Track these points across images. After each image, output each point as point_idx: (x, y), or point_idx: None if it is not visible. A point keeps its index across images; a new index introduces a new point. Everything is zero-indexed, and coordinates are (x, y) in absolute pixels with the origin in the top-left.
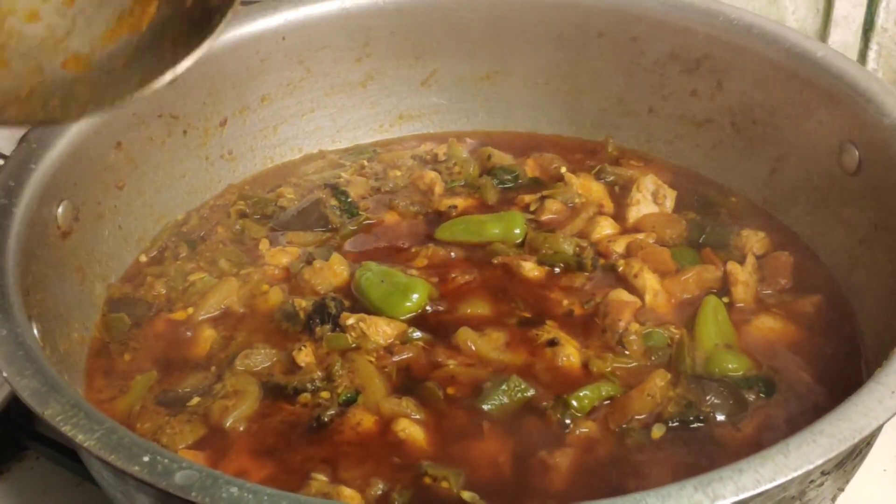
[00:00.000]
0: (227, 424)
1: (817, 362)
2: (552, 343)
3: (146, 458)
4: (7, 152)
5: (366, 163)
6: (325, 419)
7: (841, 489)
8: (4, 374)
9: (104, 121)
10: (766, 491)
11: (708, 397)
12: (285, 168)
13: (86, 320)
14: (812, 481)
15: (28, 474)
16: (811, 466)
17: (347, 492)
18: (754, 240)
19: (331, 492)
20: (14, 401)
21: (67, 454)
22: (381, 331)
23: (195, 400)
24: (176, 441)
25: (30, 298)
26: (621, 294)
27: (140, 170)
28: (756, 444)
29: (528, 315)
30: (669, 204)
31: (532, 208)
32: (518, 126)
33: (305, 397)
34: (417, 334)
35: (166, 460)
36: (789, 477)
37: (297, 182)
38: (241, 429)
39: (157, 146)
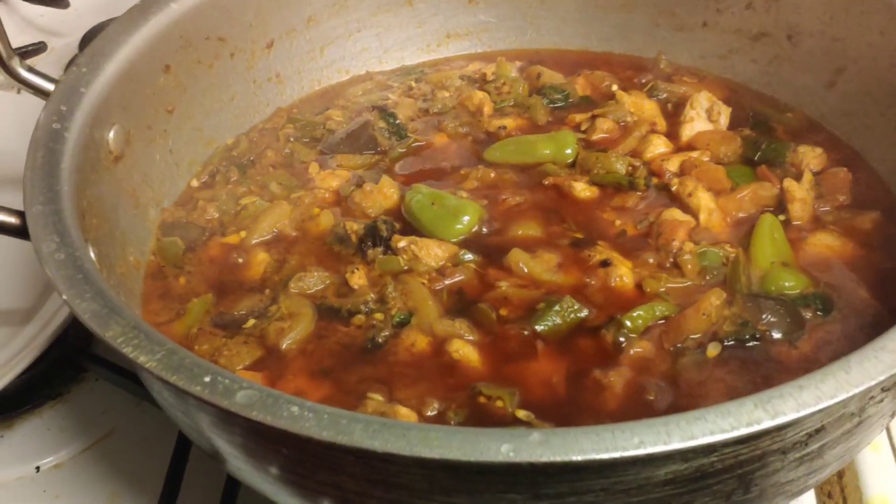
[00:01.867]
0: (284, 346)
1: (875, 279)
2: (605, 264)
3: (207, 379)
4: (57, 76)
5: (413, 84)
6: (380, 340)
7: None
8: (64, 297)
9: (151, 44)
10: (827, 408)
11: (764, 315)
12: (333, 90)
13: (141, 244)
14: (872, 397)
15: (87, 396)
16: (872, 383)
17: (404, 411)
18: (811, 156)
19: (387, 411)
20: (72, 324)
21: (126, 375)
22: (433, 253)
23: (251, 322)
24: (234, 362)
25: (85, 222)
26: (675, 213)
27: (189, 93)
28: (813, 362)
29: (580, 236)
30: (724, 121)
31: (583, 128)
32: (568, 44)
33: (360, 319)
34: (469, 256)
35: (227, 380)
36: (851, 393)
37: (344, 104)
38: (297, 350)
39: (205, 69)
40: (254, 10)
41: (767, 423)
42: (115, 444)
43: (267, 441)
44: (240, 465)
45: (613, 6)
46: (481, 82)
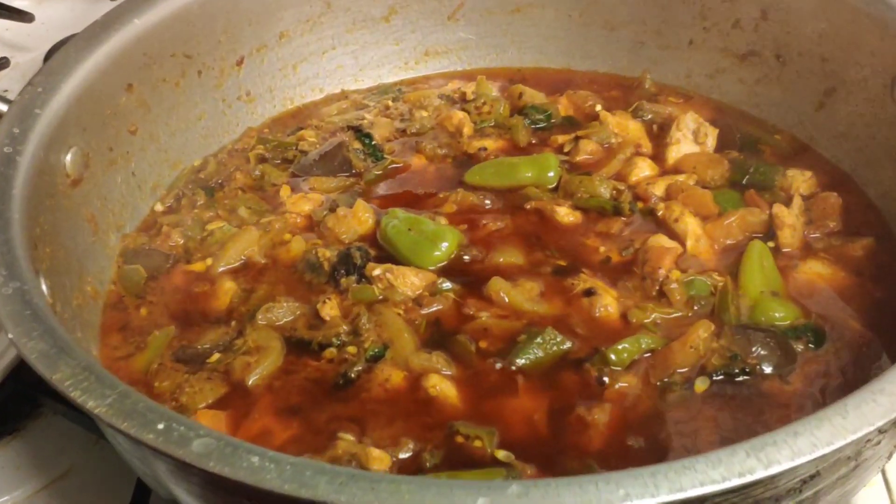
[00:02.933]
0: (250, 382)
1: (868, 308)
2: (589, 293)
3: (161, 426)
4: (12, 97)
5: (390, 103)
6: (352, 376)
7: None
8: (10, 336)
9: (113, 62)
10: (824, 455)
11: (754, 348)
12: (306, 109)
13: (100, 273)
14: (869, 440)
15: (43, 432)
16: (871, 428)
17: (376, 452)
18: (801, 180)
19: (359, 452)
20: None
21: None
22: (410, 282)
23: (215, 356)
24: (196, 400)
25: (38, 252)
26: (661, 240)
27: (153, 113)
28: (807, 397)
29: (562, 263)
30: (711, 143)
31: (566, 149)
32: (551, 62)
33: (331, 352)
34: (447, 285)
35: (183, 427)
36: (848, 440)
37: (318, 124)
38: (265, 386)
39: (171, 88)
40: (222, 25)
41: (761, 473)
42: (72, 485)
43: (226, 492)
44: None
45: (597, 24)
46: (461, 102)
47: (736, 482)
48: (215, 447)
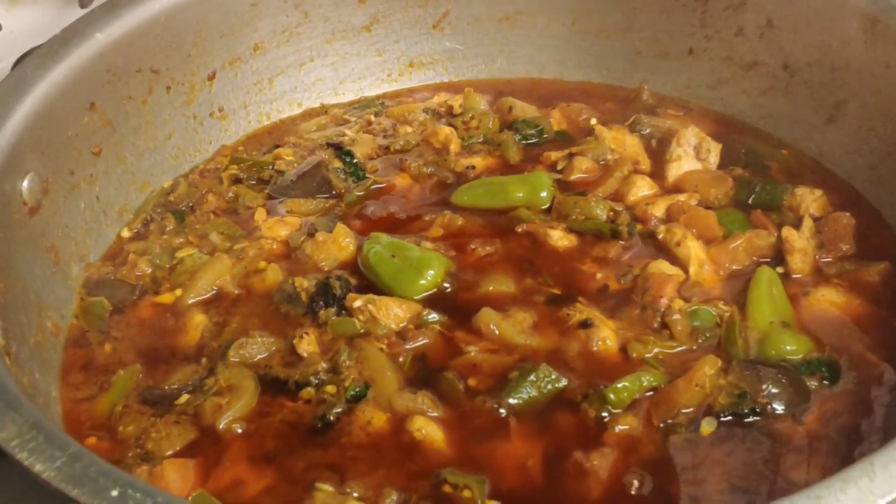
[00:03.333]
0: (221, 426)
1: (886, 340)
2: (585, 325)
3: (115, 493)
4: None
5: (373, 118)
6: (331, 418)
7: None
8: None
9: (74, 80)
10: None
11: (764, 386)
12: (283, 126)
13: (61, 306)
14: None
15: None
16: None
17: None
18: (810, 199)
19: None
20: None
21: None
22: (393, 313)
23: (184, 397)
24: (163, 447)
25: None
26: (662, 266)
27: (118, 133)
28: (822, 440)
29: (557, 291)
30: (714, 159)
31: (559, 167)
32: (542, 72)
33: (308, 392)
34: (433, 317)
35: (139, 494)
36: None
37: (296, 141)
38: (237, 431)
39: (137, 105)
40: (192, 38)
41: None
42: None
43: None
44: None
45: (591, 31)
46: (448, 116)
47: None
48: None
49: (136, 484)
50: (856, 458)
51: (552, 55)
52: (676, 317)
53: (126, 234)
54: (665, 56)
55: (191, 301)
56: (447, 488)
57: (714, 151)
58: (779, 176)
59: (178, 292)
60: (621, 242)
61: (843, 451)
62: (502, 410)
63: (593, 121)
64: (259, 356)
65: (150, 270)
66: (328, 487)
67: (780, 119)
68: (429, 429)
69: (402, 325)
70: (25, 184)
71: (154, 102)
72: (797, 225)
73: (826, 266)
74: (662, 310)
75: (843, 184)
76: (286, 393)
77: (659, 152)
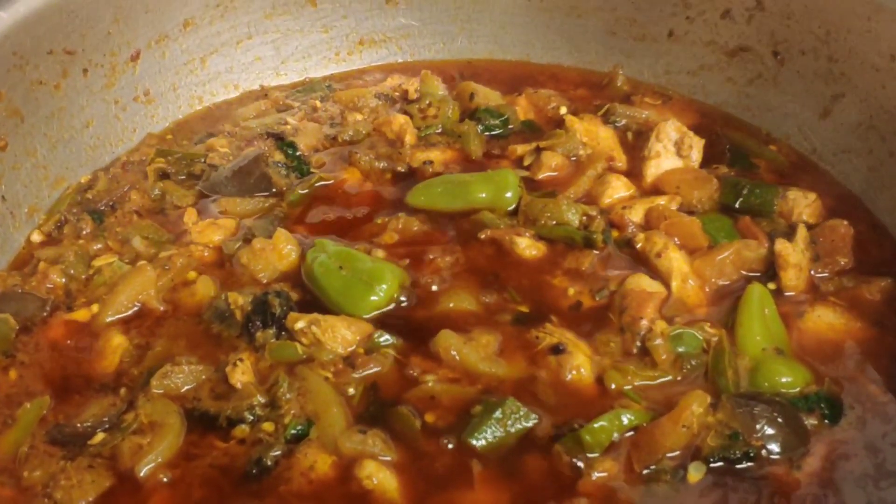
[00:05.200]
0: (141, 472)
1: (892, 370)
2: (557, 350)
3: None
4: None
5: (318, 103)
6: (268, 462)
7: None
8: None
9: None
10: None
11: (758, 426)
12: (217, 111)
13: None
14: None
15: None
16: None
17: None
18: (804, 204)
19: None
20: None
21: None
22: (340, 336)
23: (99, 436)
24: (73, 496)
25: None
26: (642, 281)
27: (28, 122)
28: (827, 486)
29: (524, 309)
30: (696, 156)
31: (526, 163)
32: (506, 53)
33: (242, 430)
34: (386, 339)
35: None
36: None
37: (232, 130)
38: (160, 477)
39: (50, 91)
40: (112, 14)
41: None
42: None
43: None
44: None
45: (561, 9)
46: (402, 102)
47: None
48: None
49: None
50: None
51: (518, 34)
52: (659, 342)
53: (36, 238)
54: (642, 38)
55: (109, 319)
56: None
57: (696, 148)
58: (767, 176)
59: (95, 308)
60: (595, 252)
61: (849, 501)
62: (466, 449)
63: (563, 110)
64: (186, 387)
65: (63, 281)
66: None
67: (769, 111)
68: (380, 476)
69: (350, 349)
70: None
71: (69, 87)
72: (789, 234)
73: (822, 282)
74: (643, 333)
75: (840, 187)
76: (217, 430)
77: (635, 147)
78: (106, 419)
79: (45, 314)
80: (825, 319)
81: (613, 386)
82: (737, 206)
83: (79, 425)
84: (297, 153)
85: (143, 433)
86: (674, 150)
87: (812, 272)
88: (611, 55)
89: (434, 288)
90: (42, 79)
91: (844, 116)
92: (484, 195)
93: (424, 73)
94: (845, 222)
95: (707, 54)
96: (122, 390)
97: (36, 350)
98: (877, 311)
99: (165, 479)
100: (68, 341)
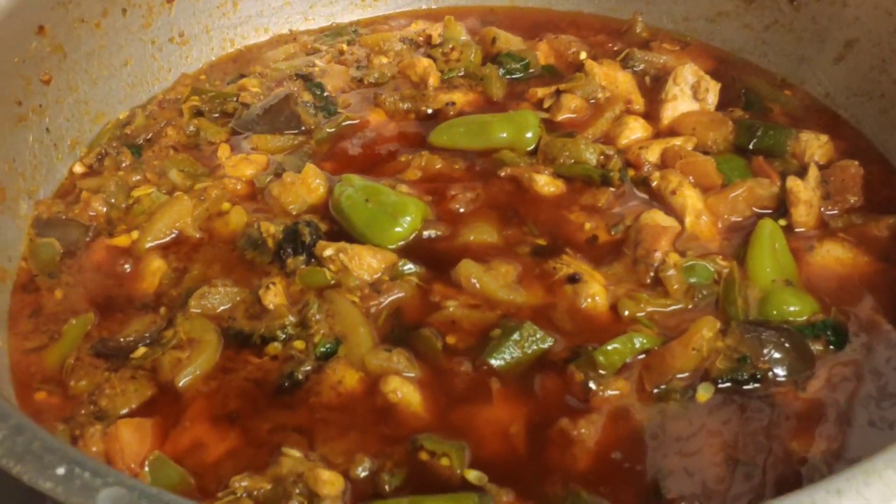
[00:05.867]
0: (181, 383)
1: None
2: (573, 279)
3: (61, 470)
4: None
5: (345, 47)
6: (299, 376)
7: None
8: None
9: (20, 1)
10: None
11: (766, 350)
12: (248, 53)
13: (8, 248)
14: None
15: None
16: None
17: (326, 475)
18: (816, 145)
19: (306, 472)
20: None
21: None
22: (366, 263)
23: (141, 351)
24: (118, 404)
25: None
26: (656, 216)
27: (70, 59)
28: (827, 408)
29: (542, 242)
30: (712, 99)
31: (546, 105)
32: (528, 0)
33: (275, 348)
34: (410, 267)
35: (87, 474)
36: None
37: (262, 71)
38: (198, 388)
39: (91, 29)
40: None
41: None
42: None
43: None
44: None
45: None
46: (426, 46)
47: None
48: (127, 499)
49: (84, 461)
50: (867, 429)
51: None
52: (671, 272)
53: (78, 169)
54: None
55: (148, 245)
56: (424, 455)
57: (713, 91)
58: (781, 119)
59: (135, 235)
60: (612, 189)
61: (852, 419)
62: (485, 368)
63: (583, 55)
64: (222, 307)
65: (104, 210)
66: (295, 453)
67: (785, 57)
68: (404, 390)
69: (375, 276)
70: None
71: (109, 26)
72: (801, 173)
73: (832, 219)
74: (656, 264)
75: (851, 129)
76: (251, 347)
77: (653, 91)
78: (147, 335)
79: (87, 239)
80: (833, 254)
81: (627, 313)
82: (750, 147)
83: (122, 340)
84: (325, 94)
85: (182, 348)
86: (690, 94)
87: (822, 210)
88: (630, 2)
89: (457, 216)
90: (84, 17)
91: (858, 61)
92: (504, 135)
93: (448, 18)
94: (856, 162)
95: (725, 1)
96: (162, 309)
97: (80, 272)
98: (884, 246)
99: (203, 390)
100: (110, 265)
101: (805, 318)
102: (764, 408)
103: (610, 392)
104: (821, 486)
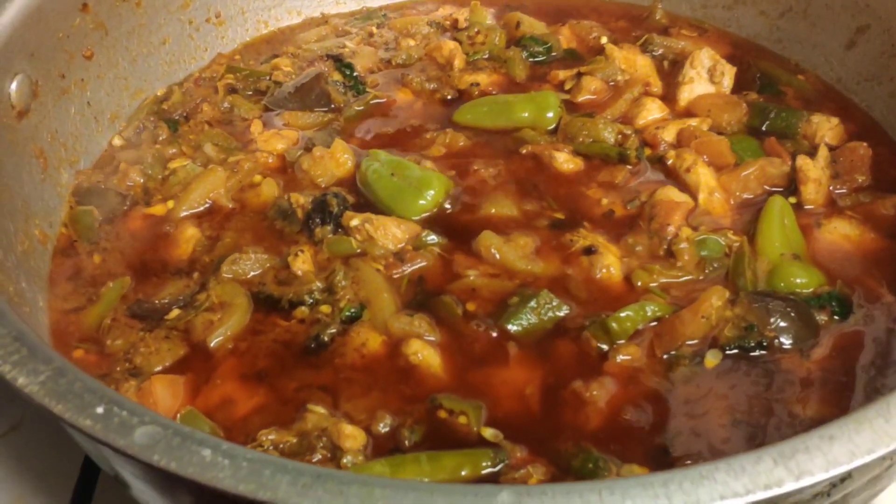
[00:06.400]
0: (212, 343)
1: None
2: (589, 251)
3: (100, 409)
4: None
5: (374, 30)
6: (325, 339)
7: None
8: None
9: None
10: (864, 465)
11: (772, 319)
12: (281, 35)
13: (49, 214)
14: None
15: None
16: None
17: (349, 429)
18: (826, 127)
19: (330, 427)
20: None
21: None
22: (391, 234)
23: (175, 313)
24: (152, 362)
25: None
26: (670, 192)
27: (111, 36)
28: (830, 375)
29: (560, 216)
30: (727, 83)
31: (567, 87)
32: None
33: (302, 312)
34: (433, 238)
35: (125, 412)
36: (892, 448)
37: (294, 52)
38: (228, 348)
39: (132, 8)
40: None
41: (790, 486)
42: (22, 439)
43: (174, 485)
44: (146, 497)
45: None
46: (452, 30)
47: (761, 496)
48: (161, 437)
49: (122, 401)
50: (868, 393)
51: None
52: (684, 245)
53: (118, 142)
54: None
55: (183, 214)
56: (442, 413)
57: (728, 75)
58: (794, 102)
59: (171, 204)
60: (629, 167)
61: (854, 386)
62: (503, 333)
63: (604, 39)
64: (252, 273)
65: (141, 180)
66: (320, 409)
67: (798, 43)
68: (425, 353)
69: (400, 245)
70: (14, 86)
71: (149, 5)
72: (812, 154)
73: (840, 197)
74: (669, 238)
75: (862, 112)
76: (279, 311)
77: (671, 74)
78: (181, 298)
79: (125, 208)
80: (841, 230)
81: (640, 283)
82: (763, 128)
83: (157, 302)
84: (354, 73)
85: (214, 311)
86: (707, 77)
87: (831, 188)
88: None
89: (479, 191)
90: None
91: (868, 47)
92: (526, 114)
93: (474, 3)
94: (865, 144)
95: None
96: (196, 274)
97: (117, 238)
98: (890, 224)
99: (233, 350)
100: (146, 232)
101: (811, 289)
102: (769, 374)
103: (622, 357)
104: (814, 432)
